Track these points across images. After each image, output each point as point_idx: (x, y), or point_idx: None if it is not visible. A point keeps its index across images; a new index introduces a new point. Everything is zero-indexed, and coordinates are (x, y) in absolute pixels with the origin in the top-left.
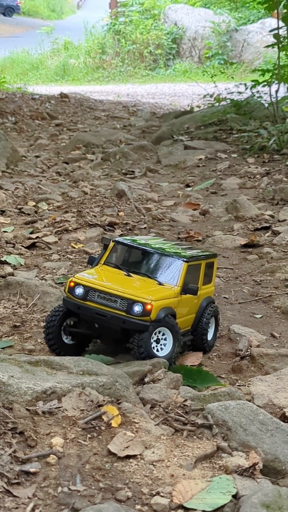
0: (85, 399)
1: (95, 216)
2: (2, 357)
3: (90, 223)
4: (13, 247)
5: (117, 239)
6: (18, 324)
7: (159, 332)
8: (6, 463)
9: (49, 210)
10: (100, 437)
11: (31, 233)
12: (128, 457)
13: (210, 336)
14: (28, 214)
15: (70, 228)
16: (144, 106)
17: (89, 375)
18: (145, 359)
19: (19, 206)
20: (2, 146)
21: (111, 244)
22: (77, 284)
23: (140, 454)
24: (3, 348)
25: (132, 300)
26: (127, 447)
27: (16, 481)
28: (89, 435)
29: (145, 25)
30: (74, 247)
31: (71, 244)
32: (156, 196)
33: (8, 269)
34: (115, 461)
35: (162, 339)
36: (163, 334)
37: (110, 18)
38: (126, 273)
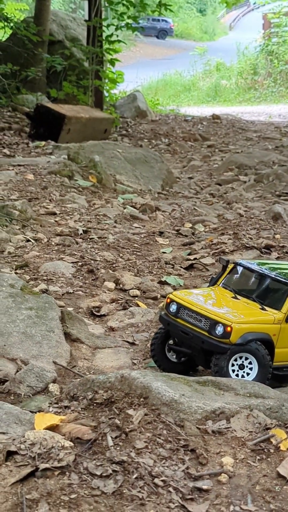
0: (253, 421)
1: (251, 238)
2: (172, 375)
3: (247, 245)
4: (172, 267)
5: (236, 261)
6: None
7: (245, 358)
8: (180, 479)
9: (205, 232)
10: (269, 459)
11: (189, 254)
12: None
13: None
14: (186, 236)
15: (227, 250)
16: None
17: (256, 397)
18: None
19: (176, 228)
20: (159, 168)
21: (230, 265)
22: (172, 301)
23: None
24: None
25: (215, 321)
26: None
27: (190, 496)
28: (258, 457)
29: None
30: None
31: None
32: None
33: (169, 290)
34: (285, 484)
35: (247, 365)
36: (249, 362)
37: (263, 39)
38: (233, 295)
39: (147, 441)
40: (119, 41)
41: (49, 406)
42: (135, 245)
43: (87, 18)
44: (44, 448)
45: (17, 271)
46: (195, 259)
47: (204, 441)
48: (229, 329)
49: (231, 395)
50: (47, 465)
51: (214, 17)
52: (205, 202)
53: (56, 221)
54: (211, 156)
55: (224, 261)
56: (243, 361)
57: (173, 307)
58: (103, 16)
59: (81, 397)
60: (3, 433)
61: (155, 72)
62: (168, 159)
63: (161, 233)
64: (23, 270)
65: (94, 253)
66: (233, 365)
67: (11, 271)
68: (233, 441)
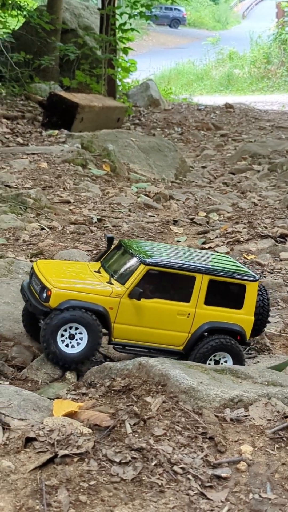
0: (271, 409)
1: (266, 227)
2: (190, 363)
3: (262, 234)
4: None
5: (121, 239)
6: None
7: (75, 328)
8: (199, 466)
9: (220, 220)
10: (287, 447)
11: (204, 243)
12: None
13: None
14: (200, 224)
15: (241, 239)
16: None
17: (274, 385)
18: (49, 354)
19: (190, 216)
20: (172, 157)
21: (116, 243)
22: (32, 268)
23: None
24: None
25: (43, 285)
26: None
27: (209, 484)
28: (277, 445)
29: None
30: (246, 258)
31: (243, 255)
32: None
33: None
34: None
35: (78, 336)
36: (80, 332)
37: (277, 28)
38: (97, 269)
39: (165, 429)
40: (132, 29)
41: (67, 393)
42: (150, 233)
43: (100, 6)
44: (63, 435)
45: (32, 259)
46: (209, 248)
47: (222, 429)
48: (49, 293)
49: (249, 383)
50: (66, 452)
51: (227, 5)
52: (219, 191)
53: (70, 209)
54: (224, 145)
55: (107, 237)
56: (73, 331)
57: (30, 274)
58: (116, 5)
59: (99, 384)
60: (22, 419)
61: (168, 61)
62: (181, 148)
63: (175, 222)
64: (38, 258)
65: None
66: (62, 335)
67: (26, 259)
68: (251, 429)
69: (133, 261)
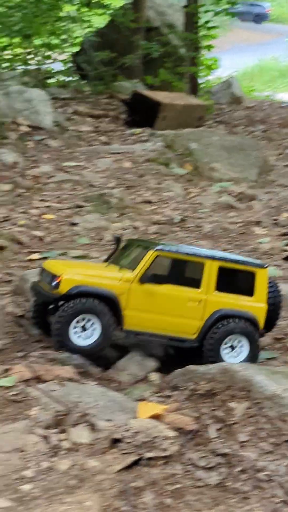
0: None
1: None
2: (274, 369)
3: None
4: (270, 258)
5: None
6: (280, 337)
7: (88, 320)
8: (283, 474)
9: None
10: None
11: (287, 245)
12: None
13: (228, 358)
14: (283, 226)
15: None
16: None
17: None
18: (61, 345)
19: (273, 217)
20: (255, 156)
21: (125, 243)
22: (41, 267)
23: None
24: (267, 359)
25: (53, 274)
26: None
27: None
28: None
29: None
30: None
31: None
32: None
33: None
34: None
35: (89, 328)
36: (92, 324)
37: None
38: (107, 264)
39: (250, 435)
40: (216, 27)
41: (151, 395)
42: (231, 234)
43: (184, 4)
44: (148, 437)
45: None
46: None
47: None
48: (59, 279)
49: None
50: (151, 454)
51: None
52: None
53: (152, 209)
54: None
55: (114, 237)
56: (85, 324)
57: (40, 272)
58: (200, 2)
59: (183, 388)
60: (108, 420)
61: (251, 57)
62: (263, 146)
63: (258, 223)
64: None
65: (190, 242)
66: (75, 327)
67: None
68: None
69: (143, 250)
